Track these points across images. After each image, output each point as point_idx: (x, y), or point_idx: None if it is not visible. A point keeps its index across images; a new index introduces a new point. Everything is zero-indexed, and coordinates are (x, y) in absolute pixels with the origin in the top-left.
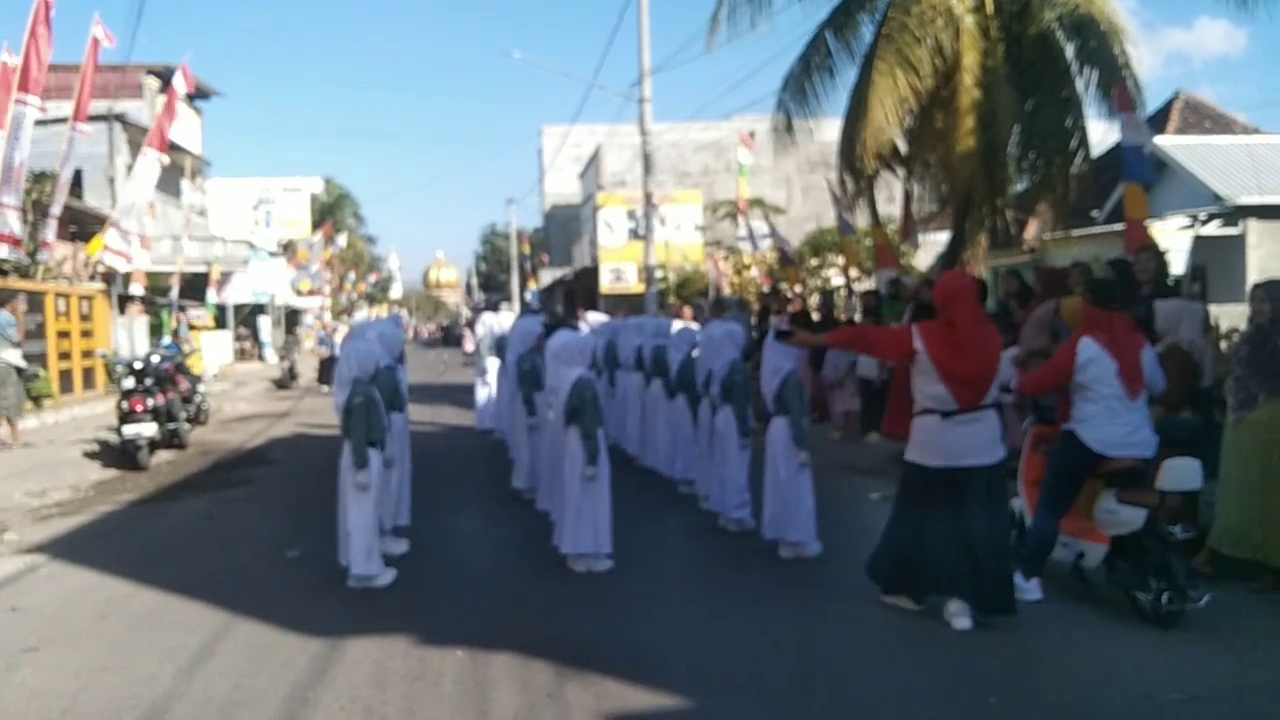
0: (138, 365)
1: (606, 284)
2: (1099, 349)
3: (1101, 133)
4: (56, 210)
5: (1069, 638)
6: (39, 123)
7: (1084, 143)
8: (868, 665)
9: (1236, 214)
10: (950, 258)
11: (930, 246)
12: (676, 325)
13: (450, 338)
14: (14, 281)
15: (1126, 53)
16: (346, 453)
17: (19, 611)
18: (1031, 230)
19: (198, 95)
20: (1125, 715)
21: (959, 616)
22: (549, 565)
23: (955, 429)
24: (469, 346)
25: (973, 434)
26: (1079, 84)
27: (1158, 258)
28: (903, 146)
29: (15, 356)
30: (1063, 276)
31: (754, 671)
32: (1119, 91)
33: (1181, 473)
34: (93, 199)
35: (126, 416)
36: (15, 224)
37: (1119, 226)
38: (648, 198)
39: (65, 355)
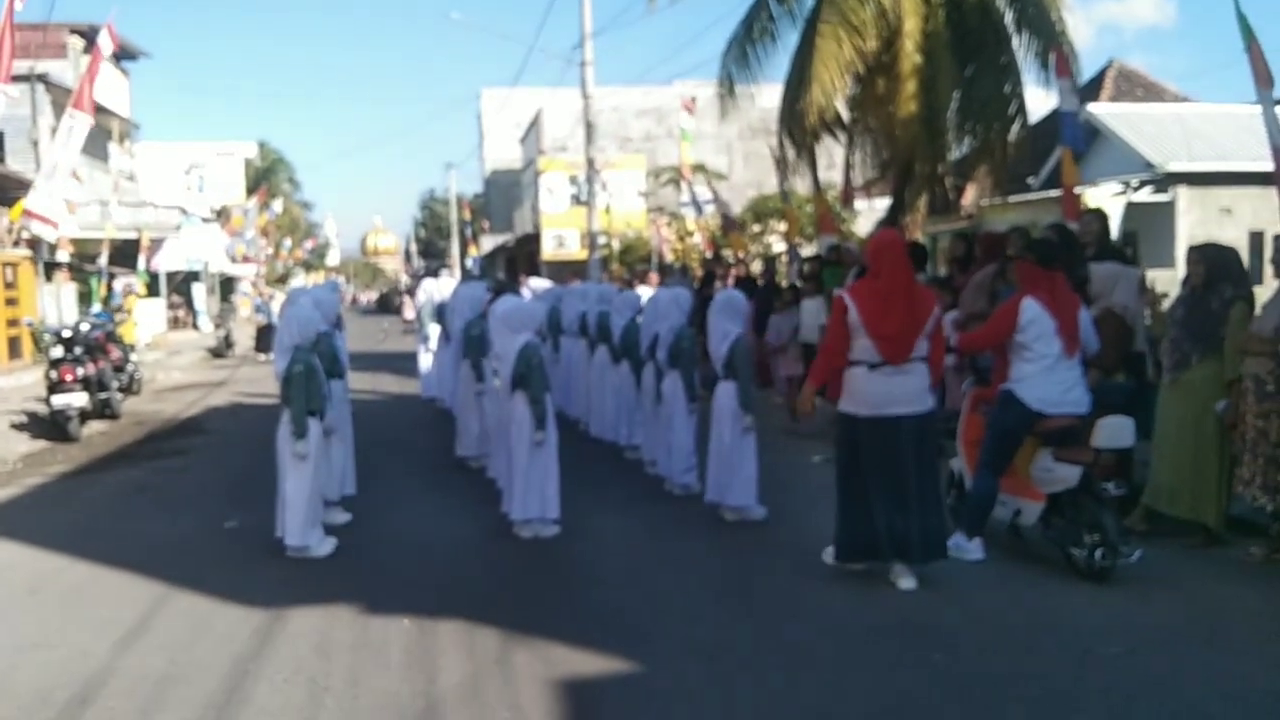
0: (66, 334)
1: (549, 250)
2: (1040, 309)
3: (1037, 100)
4: None
5: (1009, 594)
6: None
7: (1022, 109)
8: (812, 626)
9: (1167, 181)
10: (890, 224)
11: (869, 213)
12: (642, 291)
13: (389, 305)
14: None
15: (1063, 20)
16: (285, 422)
17: None
18: (969, 196)
19: (124, 56)
20: (1067, 669)
21: (903, 577)
22: (495, 532)
23: (882, 379)
24: (409, 314)
25: (901, 384)
26: (1018, 51)
27: (1101, 219)
28: (844, 113)
29: None
30: (1002, 241)
31: (699, 634)
32: (1058, 56)
33: (1115, 431)
34: (15, 163)
35: (55, 386)
36: None
37: (1055, 192)
38: (590, 163)
39: None
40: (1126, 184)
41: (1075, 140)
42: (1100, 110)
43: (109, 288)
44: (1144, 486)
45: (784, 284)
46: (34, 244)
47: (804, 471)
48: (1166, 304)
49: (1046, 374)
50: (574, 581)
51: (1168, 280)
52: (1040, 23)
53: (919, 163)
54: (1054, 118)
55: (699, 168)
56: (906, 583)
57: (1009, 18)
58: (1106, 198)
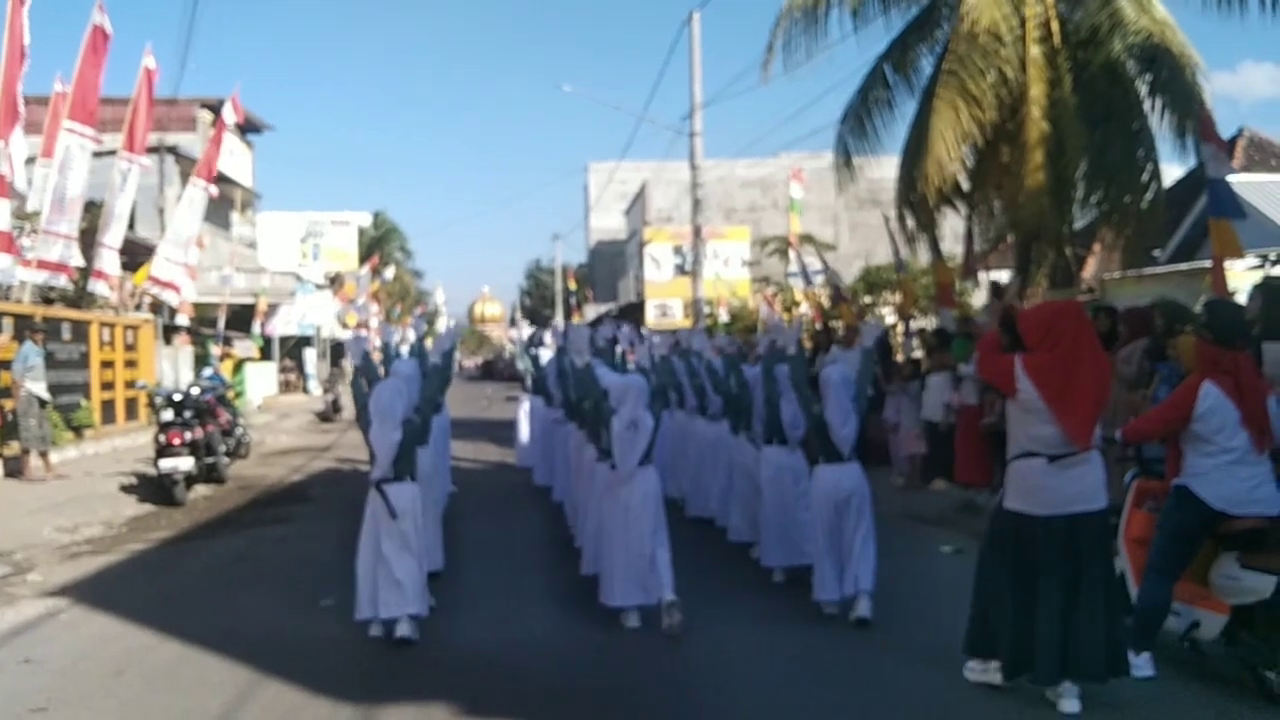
0: (176, 397)
1: (652, 319)
2: (1221, 395)
3: (1167, 171)
4: (116, 242)
5: None
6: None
7: (1155, 176)
8: None
9: None
10: (1001, 295)
11: (985, 286)
12: None
13: (494, 371)
14: (58, 310)
15: (1199, 84)
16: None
17: (32, 664)
18: (1089, 269)
19: (249, 129)
20: None
21: (1068, 697)
22: (604, 624)
23: (1064, 472)
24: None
25: (1082, 476)
26: (1150, 116)
27: (1269, 293)
28: (964, 182)
29: (39, 388)
30: (1147, 317)
31: None
32: (1204, 120)
33: None
34: (143, 230)
35: (163, 450)
36: (66, 252)
37: (1184, 265)
38: (697, 231)
39: (108, 385)
40: (1264, 257)
41: (1227, 209)
42: (1232, 180)
43: (219, 352)
44: None
45: (899, 358)
46: (156, 308)
47: (934, 563)
48: None
49: (1230, 469)
50: (695, 690)
51: None
52: (1176, 87)
53: (1045, 233)
54: (1181, 188)
55: (807, 238)
56: (1070, 704)
57: (1141, 82)
58: (1241, 271)
